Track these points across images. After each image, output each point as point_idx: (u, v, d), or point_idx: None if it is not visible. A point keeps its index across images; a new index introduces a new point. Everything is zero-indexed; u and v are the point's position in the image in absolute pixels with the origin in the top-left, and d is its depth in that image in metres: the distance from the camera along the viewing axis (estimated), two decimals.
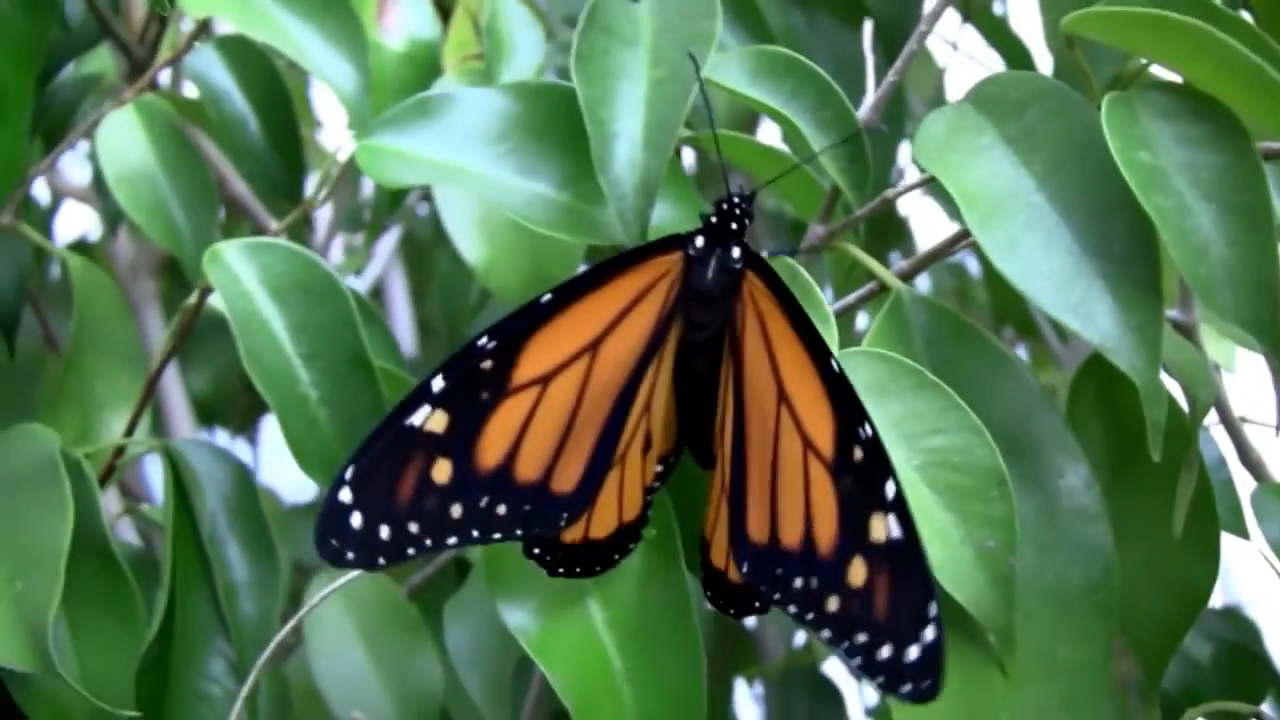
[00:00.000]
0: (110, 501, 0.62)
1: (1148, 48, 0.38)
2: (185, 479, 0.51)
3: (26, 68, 0.33)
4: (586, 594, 0.41)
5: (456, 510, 0.38)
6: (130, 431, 0.53)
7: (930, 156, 0.40)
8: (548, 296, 0.39)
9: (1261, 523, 0.51)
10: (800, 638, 0.81)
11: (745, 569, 0.37)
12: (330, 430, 0.46)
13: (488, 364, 0.38)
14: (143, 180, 0.57)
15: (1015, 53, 0.69)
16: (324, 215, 0.78)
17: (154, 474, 0.75)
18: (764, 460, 0.37)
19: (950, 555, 0.37)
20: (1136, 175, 0.36)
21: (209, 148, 0.69)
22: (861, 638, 0.35)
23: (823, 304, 0.39)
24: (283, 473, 0.93)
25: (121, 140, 0.58)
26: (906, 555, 0.35)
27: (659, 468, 0.41)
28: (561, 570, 0.40)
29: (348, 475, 0.37)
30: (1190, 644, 0.74)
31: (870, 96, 0.46)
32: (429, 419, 0.38)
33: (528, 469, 0.39)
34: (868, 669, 0.35)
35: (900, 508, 0.35)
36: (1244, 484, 0.54)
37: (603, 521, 0.40)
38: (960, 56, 0.75)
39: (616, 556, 0.41)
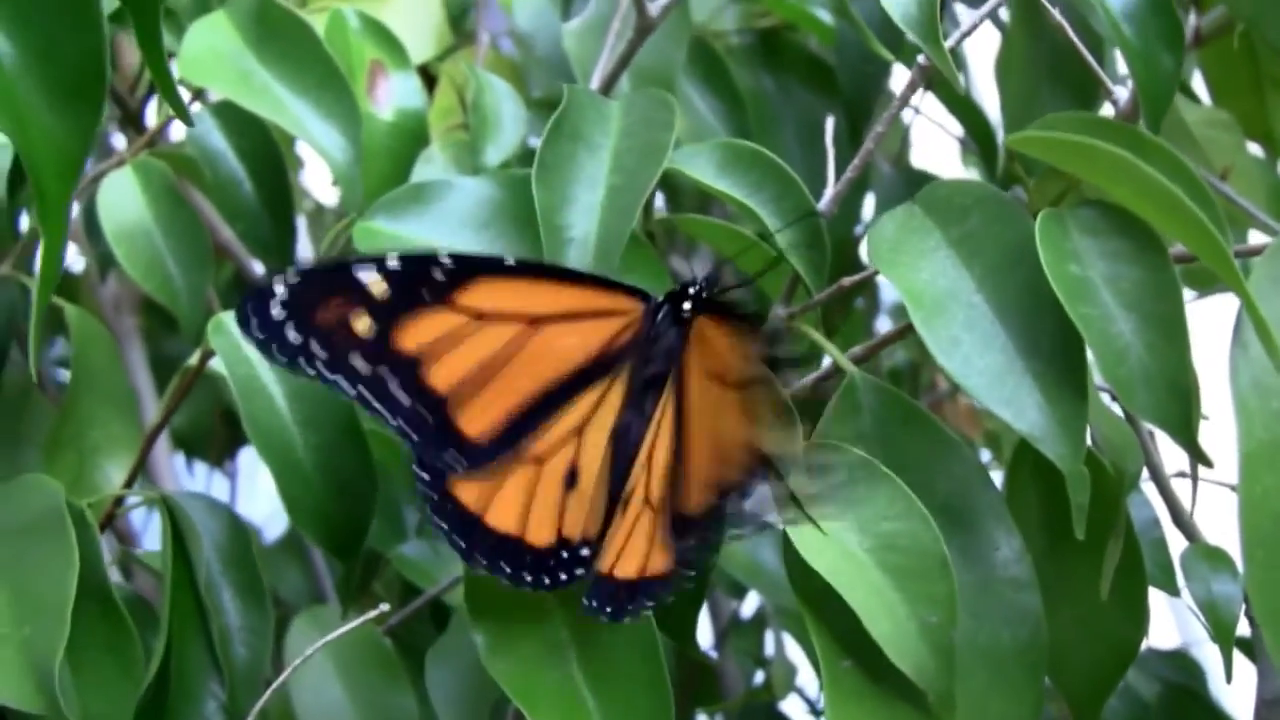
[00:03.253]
0: (106, 547, 0.67)
1: (1078, 170, 0.43)
2: (183, 529, 0.55)
3: (68, 178, 0.37)
4: (564, 641, 0.46)
5: (358, 362, 0.43)
6: (130, 482, 0.58)
7: (881, 256, 0.45)
8: (513, 259, 0.44)
9: (1189, 582, 0.56)
10: (760, 676, 0.86)
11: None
12: (323, 491, 0.51)
13: (439, 275, 0.43)
14: (140, 237, 0.62)
15: (975, 121, 0.74)
16: None
17: (139, 516, 0.80)
18: (710, 445, 0.44)
19: (897, 629, 0.42)
20: (1065, 286, 0.41)
21: (199, 195, 0.73)
22: None
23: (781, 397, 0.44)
24: (256, 504, 0.98)
25: (121, 199, 0.62)
26: None
27: (584, 551, 0.45)
28: (502, 565, 0.44)
29: (286, 274, 0.42)
30: (1137, 684, 0.80)
31: (831, 184, 0.51)
32: (372, 280, 0.43)
33: (436, 380, 0.44)
34: None
35: None
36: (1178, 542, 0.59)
37: (540, 529, 0.45)
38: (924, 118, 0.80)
39: (563, 576, 0.45)
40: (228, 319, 0.52)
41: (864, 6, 0.64)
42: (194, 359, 0.55)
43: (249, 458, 0.96)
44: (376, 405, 0.44)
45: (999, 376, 0.42)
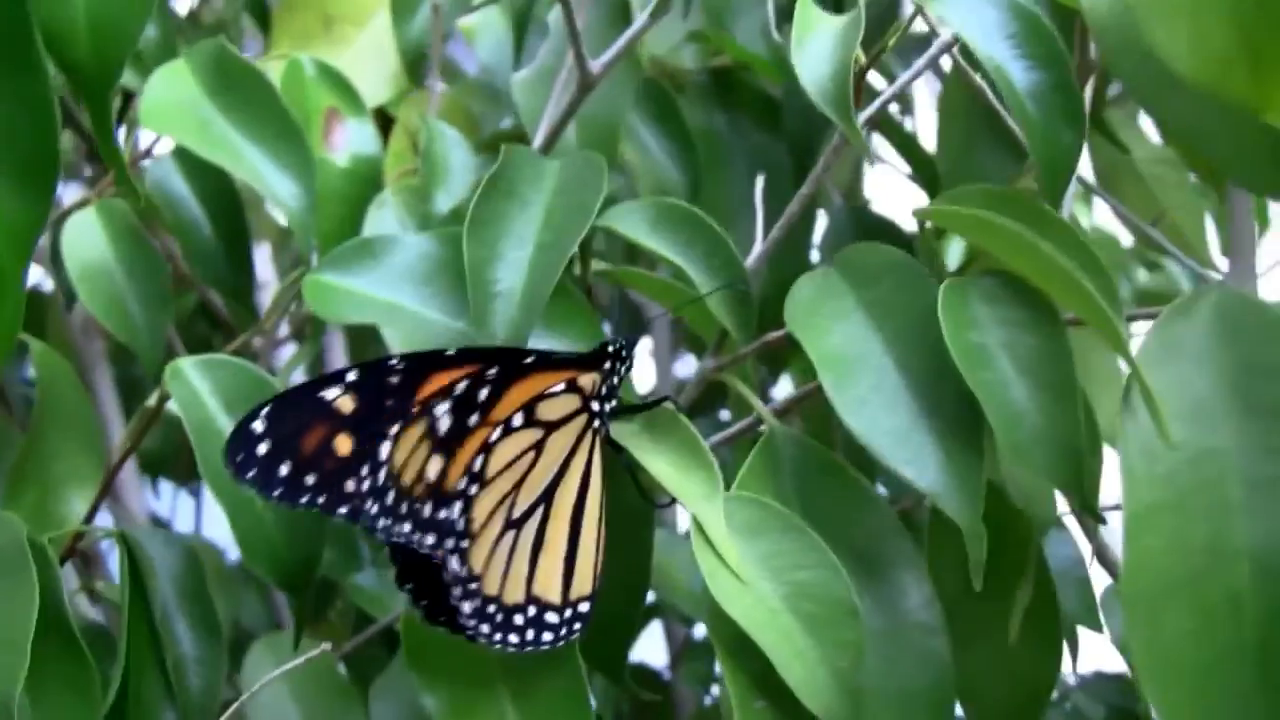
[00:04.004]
0: (69, 576, 0.69)
1: (982, 242, 0.46)
2: (139, 563, 0.58)
3: (22, 255, 0.40)
4: (495, 678, 0.49)
5: (350, 485, 0.45)
6: (92, 514, 0.61)
7: (796, 320, 0.48)
8: (452, 350, 0.46)
9: (1108, 620, 0.59)
10: (713, 693, 0.89)
11: None
12: (274, 530, 0.54)
13: (394, 378, 0.45)
14: (102, 277, 0.65)
15: (920, 161, 0.77)
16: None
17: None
18: None
19: (808, 674, 0.44)
20: (964, 354, 0.44)
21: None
22: None
23: (704, 452, 0.47)
24: (222, 524, 1.01)
25: (84, 239, 0.65)
26: None
27: (585, 606, 0.47)
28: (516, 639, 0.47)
29: (264, 410, 0.44)
30: (1084, 707, 0.83)
31: (759, 244, 0.54)
32: (339, 397, 0.45)
33: (421, 482, 0.45)
34: None
35: None
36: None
37: (548, 589, 0.47)
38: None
39: (566, 633, 0.47)
40: (185, 365, 0.54)
41: None
42: (152, 400, 0.57)
43: None
44: (380, 519, 0.45)
45: (903, 436, 0.45)
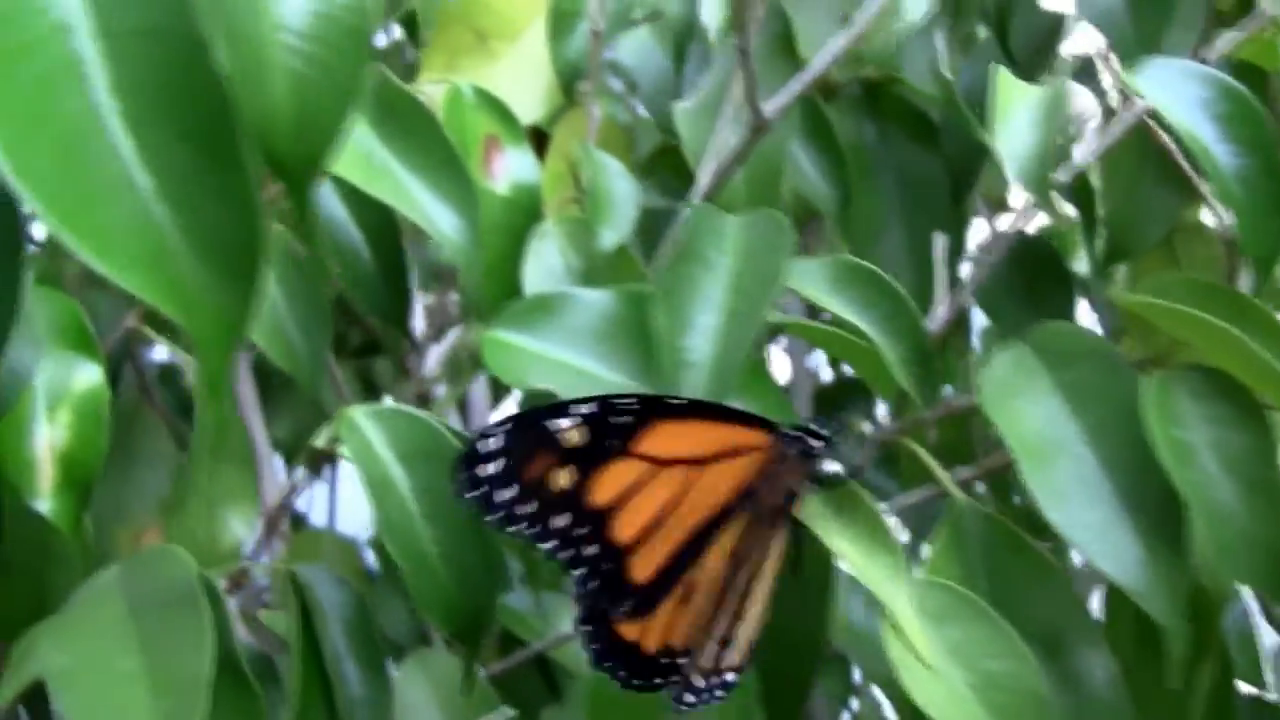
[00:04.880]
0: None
1: (1184, 334, 0.45)
2: (309, 604, 0.59)
3: (227, 351, 0.40)
4: None
5: (561, 520, 0.46)
6: (258, 550, 0.62)
7: (991, 398, 0.47)
8: (682, 400, 0.47)
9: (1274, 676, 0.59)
10: (852, 707, 0.90)
11: None
12: (449, 582, 0.54)
13: (624, 419, 0.46)
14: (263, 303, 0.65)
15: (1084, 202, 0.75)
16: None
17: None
18: None
19: None
20: (1171, 451, 0.43)
21: None
22: None
23: (888, 534, 0.47)
24: (355, 512, 1.02)
25: None
26: None
27: (682, 660, 0.48)
28: (623, 674, 0.48)
29: (497, 430, 0.45)
30: None
31: (942, 305, 0.54)
32: (570, 430, 0.45)
33: (621, 532, 0.47)
34: None
35: None
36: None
37: (653, 636, 0.48)
38: None
39: (656, 680, 0.48)
40: (357, 415, 0.55)
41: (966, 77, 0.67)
42: (320, 441, 0.58)
43: (348, 466, 1.00)
44: (576, 565, 0.46)
45: (1103, 531, 0.45)
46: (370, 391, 0.94)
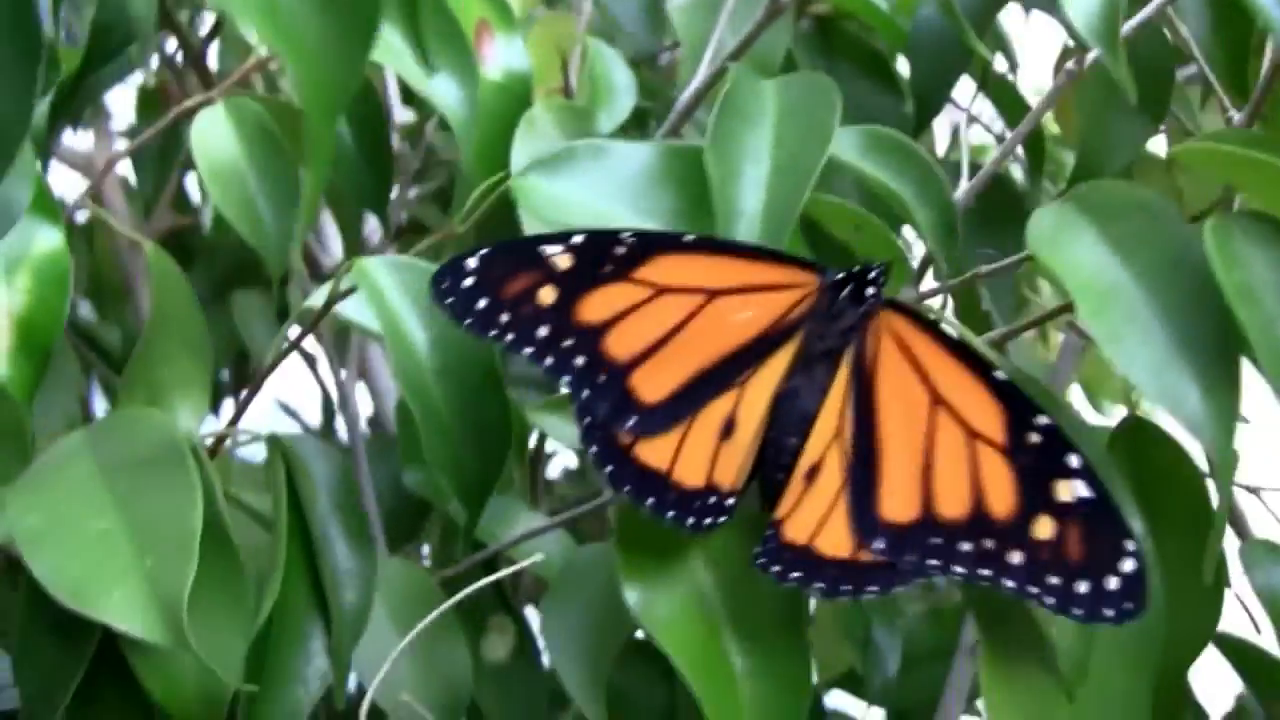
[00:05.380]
0: None
1: (1239, 181, 0.48)
2: (295, 471, 0.57)
3: (335, 109, 0.40)
4: (713, 599, 0.49)
5: (543, 330, 0.48)
6: (235, 421, 0.60)
7: (1044, 247, 0.49)
8: (692, 235, 0.49)
9: (1250, 573, 0.61)
10: None
11: (881, 545, 0.47)
12: (459, 438, 0.53)
13: (621, 250, 0.48)
14: (234, 177, 0.64)
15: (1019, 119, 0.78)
16: None
17: None
18: (910, 452, 0.47)
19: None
20: (1234, 290, 0.45)
21: None
22: (1054, 580, 0.45)
23: None
24: None
25: (215, 138, 0.64)
26: (1099, 507, 0.45)
27: (730, 500, 0.49)
28: (647, 498, 0.49)
29: (480, 251, 0.48)
30: None
31: (964, 181, 0.55)
32: (559, 254, 0.48)
33: (616, 348, 0.49)
34: (1063, 603, 0.45)
35: (1087, 473, 0.45)
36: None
37: (690, 470, 0.49)
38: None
39: (707, 520, 0.49)
40: (370, 264, 0.54)
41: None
42: (317, 300, 0.57)
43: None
44: (560, 372, 0.48)
45: (1159, 369, 0.46)
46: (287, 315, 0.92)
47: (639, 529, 0.50)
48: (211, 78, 0.74)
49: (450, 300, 0.48)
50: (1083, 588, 0.44)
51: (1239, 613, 0.63)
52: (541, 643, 0.70)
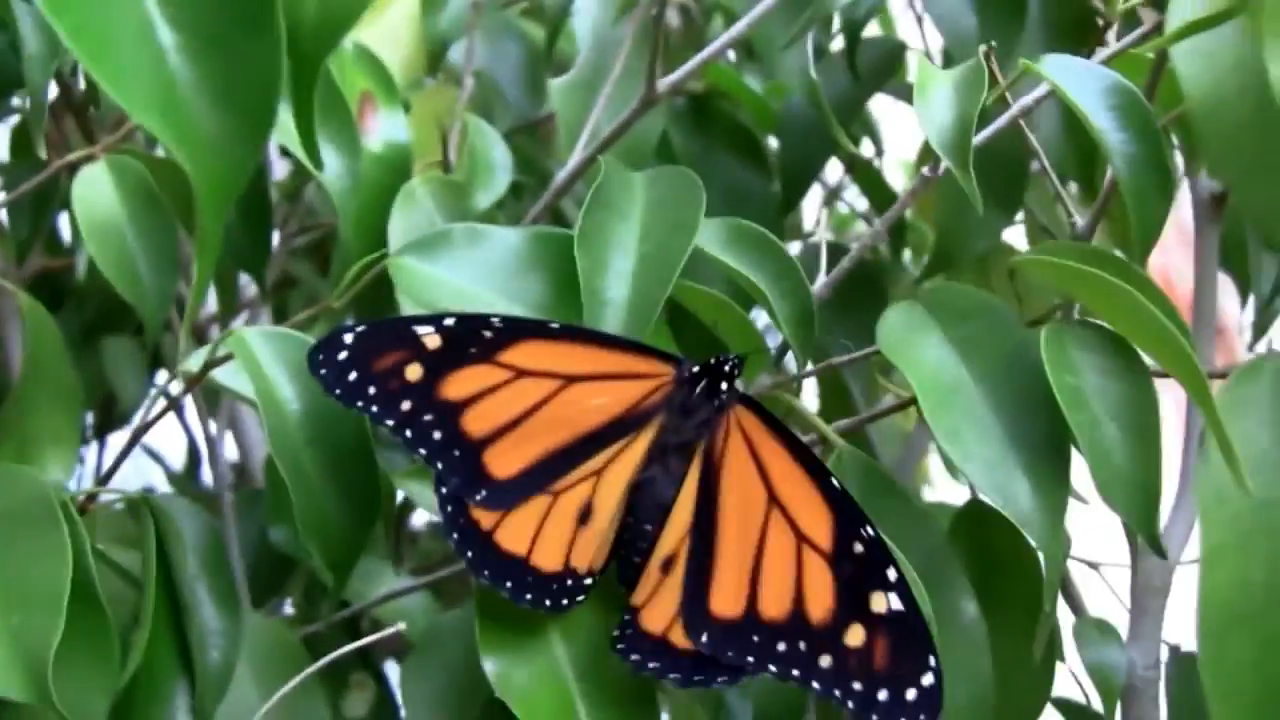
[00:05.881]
0: None
1: (1076, 293, 0.52)
2: (164, 530, 0.59)
3: (226, 198, 0.42)
4: (568, 676, 0.52)
5: (405, 405, 0.51)
6: (107, 480, 0.62)
7: (891, 344, 0.52)
8: (557, 324, 0.52)
9: (1080, 649, 0.66)
10: None
11: (705, 639, 0.49)
12: (327, 503, 0.56)
13: (488, 333, 0.51)
14: (113, 235, 0.65)
15: (886, 203, 0.83)
16: None
17: None
18: (743, 550, 0.50)
19: None
20: (1063, 394, 0.49)
21: None
22: (858, 686, 0.47)
23: None
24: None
25: (95, 194, 0.66)
26: (907, 621, 0.48)
27: (587, 580, 0.52)
28: (505, 583, 0.51)
29: (356, 327, 0.51)
30: None
31: (823, 273, 0.59)
32: (429, 334, 0.51)
33: (472, 425, 0.51)
34: (863, 709, 0.47)
35: (902, 586, 0.48)
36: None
37: (547, 555, 0.51)
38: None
39: (563, 601, 0.51)
40: (248, 334, 0.56)
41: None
42: (193, 365, 0.59)
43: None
44: (418, 445, 0.51)
45: (992, 466, 0.50)
46: (156, 366, 0.93)
47: (498, 600, 0.52)
48: (91, 125, 0.75)
49: (324, 371, 0.51)
50: (883, 695, 0.47)
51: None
52: (400, 699, 0.72)
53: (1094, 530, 0.69)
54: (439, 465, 0.51)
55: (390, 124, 0.68)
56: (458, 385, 0.51)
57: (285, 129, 0.61)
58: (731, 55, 0.91)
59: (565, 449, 0.52)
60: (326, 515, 0.56)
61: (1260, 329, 0.83)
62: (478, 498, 0.51)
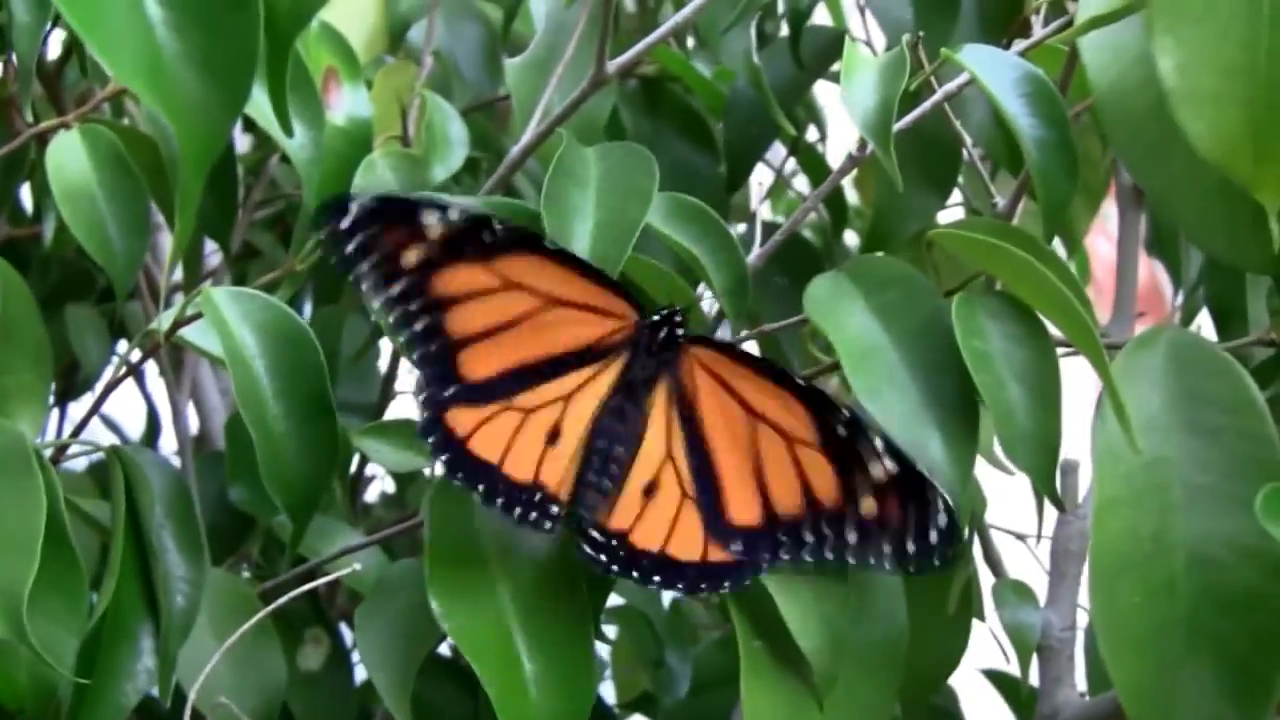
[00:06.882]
0: None
1: (987, 266, 0.57)
2: (133, 480, 0.64)
3: (207, 156, 0.47)
4: (509, 610, 0.57)
5: (397, 288, 0.56)
6: (80, 429, 0.66)
7: (817, 311, 0.58)
8: (551, 244, 0.57)
9: (999, 609, 0.71)
10: None
11: (738, 548, 0.56)
12: (290, 455, 0.61)
13: (488, 236, 0.56)
14: (84, 200, 0.70)
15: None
16: None
17: None
18: (742, 466, 0.57)
19: (804, 619, 0.55)
20: (971, 356, 0.55)
21: None
22: (887, 547, 0.55)
23: None
24: None
25: (69, 161, 0.70)
26: (908, 477, 0.54)
27: (554, 508, 0.57)
28: (479, 486, 0.56)
29: (372, 194, 0.56)
30: None
31: (757, 245, 0.64)
32: (435, 224, 0.55)
33: (454, 323, 0.56)
34: (900, 563, 0.55)
35: (890, 449, 0.55)
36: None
37: (518, 466, 0.56)
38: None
39: (532, 515, 0.56)
40: (217, 294, 0.61)
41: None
42: (163, 324, 0.64)
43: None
44: (400, 329, 0.56)
45: (909, 421, 0.56)
46: (118, 334, 0.98)
47: (449, 546, 0.58)
48: (60, 94, 0.79)
49: (324, 234, 0.55)
50: (910, 547, 0.54)
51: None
52: (356, 656, 0.77)
53: (1021, 502, 0.75)
54: (417, 354, 0.56)
55: (353, 99, 0.73)
56: (448, 282, 0.56)
57: (253, 102, 0.67)
58: (691, 42, 0.97)
59: (534, 365, 0.57)
60: (288, 464, 0.61)
61: (1189, 315, 0.89)
62: (446, 393, 0.56)
